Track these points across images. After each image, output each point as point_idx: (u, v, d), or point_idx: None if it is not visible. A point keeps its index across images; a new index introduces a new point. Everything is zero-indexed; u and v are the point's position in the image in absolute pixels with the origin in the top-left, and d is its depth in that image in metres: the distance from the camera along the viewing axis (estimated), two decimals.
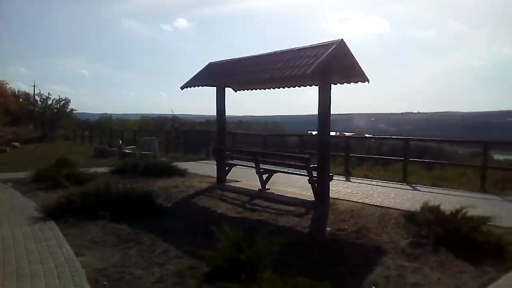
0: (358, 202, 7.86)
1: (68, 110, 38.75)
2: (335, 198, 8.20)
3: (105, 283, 3.85)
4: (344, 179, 11.12)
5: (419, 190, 9.32)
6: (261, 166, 9.14)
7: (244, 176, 11.09)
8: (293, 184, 9.83)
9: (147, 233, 5.65)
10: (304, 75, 7.12)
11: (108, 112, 49.96)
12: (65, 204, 6.59)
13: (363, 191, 9.13)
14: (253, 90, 10.93)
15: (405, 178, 10.73)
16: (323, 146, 7.90)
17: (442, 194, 8.89)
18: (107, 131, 30.51)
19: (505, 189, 9.92)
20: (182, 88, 10.28)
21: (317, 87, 8.01)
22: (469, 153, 37.36)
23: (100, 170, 12.40)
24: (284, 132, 36.66)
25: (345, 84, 8.74)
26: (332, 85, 8.79)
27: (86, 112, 66.38)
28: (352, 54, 7.85)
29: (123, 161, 12.79)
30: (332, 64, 7.75)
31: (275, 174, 9.42)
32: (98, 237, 5.43)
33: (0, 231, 5.64)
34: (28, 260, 4.39)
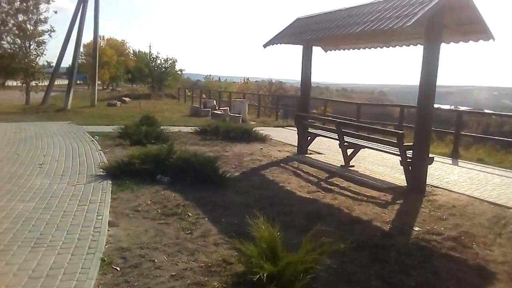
0: (464, 194, 6.22)
1: (175, 70, 40.58)
2: (434, 186, 6.66)
3: (118, 269, 3.25)
4: (451, 162, 9.23)
5: None
6: (346, 138, 7.87)
7: (329, 149, 9.95)
8: (384, 163, 8.40)
9: (197, 206, 5.00)
10: (403, 28, 5.56)
11: (220, 75, 50.95)
12: (126, 164, 6.27)
13: (473, 180, 7.33)
14: (345, 50, 9.46)
15: None
16: (423, 121, 6.33)
17: None
18: (207, 92, 31.19)
19: None
20: (265, 46, 9.32)
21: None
22: None
23: (185, 130, 12.33)
24: (384, 102, 33.48)
25: (461, 43, 6.87)
26: (444, 44, 7.12)
27: (199, 73, 68.93)
28: (473, 3, 5.98)
29: (206, 123, 12.49)
30: (444, 16, 6.01)
31: (364, 150, 8.09)
32: (144, 206, 4.93)
33: (55, 186, 5.51)
34: (57, 226, 4.02)
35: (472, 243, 4.15)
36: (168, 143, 9.32)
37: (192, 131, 11.92)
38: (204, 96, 30.02)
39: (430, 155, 6.64)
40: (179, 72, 43.26)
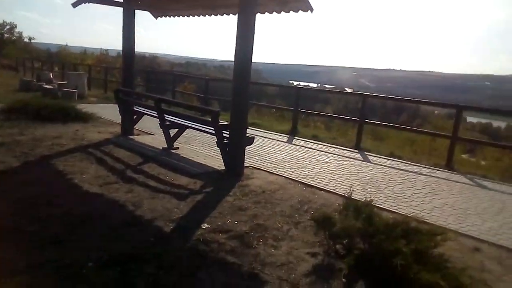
0: (282, 176, 5.79)
1: (15, 37, 34.53)
2: (255, 168, 6.13)
3: None
4: (286, 140, 9.02)
5: (370, 162, 7.32)
6: (167, 117, 6.87)
7: None
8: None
9: None
10: None
11: (86, 46, 45.05)
12: None
13: (298, 158, 7.07)
14: (175, 16, 8.36)
15: (358, 144, 8.68)
16: (239, 98, 5.64)
17: (397, 169, 6.91)
18: (52, 62, 27.08)
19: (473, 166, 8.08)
20: (74, 5, 7.61)
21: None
22: (445, 113, 35.55)
23: None
24: (259, 80, 33.55)
25: (283, 13, 6.35)
26: (268, 14, 6.60)
27: (58, 43, 59.93)
28: None
29: (19, 99, 10.21)
30: None
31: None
32: None
33: None
34: None
35: (259, 240, 3.53)
36: None
37: None
38: (68, 69, 25.87)
39: (250, 134, 6.09)
40: (26, 39, 37.01)
